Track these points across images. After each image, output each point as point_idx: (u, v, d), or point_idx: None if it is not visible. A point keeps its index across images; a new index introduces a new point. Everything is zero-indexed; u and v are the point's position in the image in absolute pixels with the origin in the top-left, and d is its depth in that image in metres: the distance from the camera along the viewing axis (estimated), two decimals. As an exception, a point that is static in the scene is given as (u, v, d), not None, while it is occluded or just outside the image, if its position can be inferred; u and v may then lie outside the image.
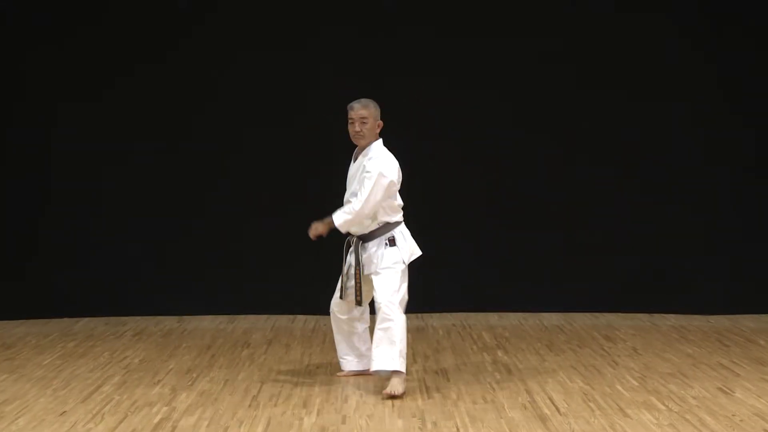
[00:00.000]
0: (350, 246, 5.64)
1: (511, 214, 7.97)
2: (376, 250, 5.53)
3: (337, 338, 5.89)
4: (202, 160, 7.93)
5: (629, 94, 7.88)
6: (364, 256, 5.56)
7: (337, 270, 5.75)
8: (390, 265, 5.49)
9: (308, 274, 7.61)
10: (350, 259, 5.64)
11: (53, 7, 7.82)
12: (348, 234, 5.63)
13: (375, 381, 5.69)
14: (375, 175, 5.44)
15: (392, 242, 5.53)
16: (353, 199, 5.51)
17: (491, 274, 7.95)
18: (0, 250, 7.88)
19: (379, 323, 5.42)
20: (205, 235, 7.95)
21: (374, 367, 5.43)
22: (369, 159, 5.52)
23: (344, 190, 5.69)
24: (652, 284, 7.90)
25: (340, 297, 5.72)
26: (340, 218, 5.51)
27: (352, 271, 5.58)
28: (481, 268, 7.95)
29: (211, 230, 7.95)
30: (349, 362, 5.88)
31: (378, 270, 5.50)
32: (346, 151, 5.76)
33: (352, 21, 7.83)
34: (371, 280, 5.57)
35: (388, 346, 5.38)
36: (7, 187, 7.90)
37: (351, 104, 5.59)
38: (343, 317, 5.80)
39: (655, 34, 7.83)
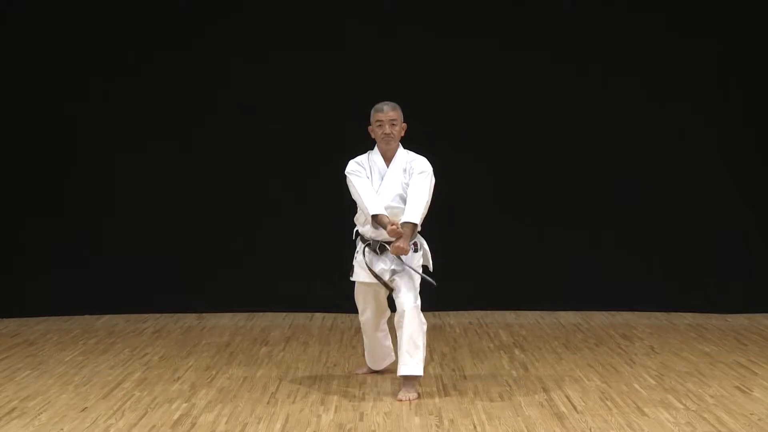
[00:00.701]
0: (375, 252, 5.45)
1: (528, 213, 7.95)
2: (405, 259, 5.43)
3: (368, 344, 5.81)
4: (217, 160, 7.93)
5: (644, 94, 7.83)
6: (388, 261, 5.43)
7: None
8: (416, 269, 5.44)
9: (327, 272, 7.62)
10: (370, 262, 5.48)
11: (55, 6, 7.81)
12: (363, 240, 5.50)
13: (392, 379, 5.69)
14: (430, 174, 5.42)
15: (416, 247, 5.48)
16: (396, 202, 5.40)
17: (508, 273, 7.93)
18: (20, 249, 7.92)
19: (405, 327, 5.33)
20: (224, 233, 7.97)
21: (403, 372, 5.33)
22: (413, 160, 5.45)
23: (346, 191, 5.54)
24: (670, 283, 7.86)
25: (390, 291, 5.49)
26: (417, 215, 5.32)
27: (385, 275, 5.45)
28: (498, 266, 7.93)
29: (229, 228, 7.97)
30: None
31: (404, 273, 5.42)
32: (353, 148, 5.68)
33: (353, 21, 7.81)
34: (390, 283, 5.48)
35: (415, 351, 5.33)
36: (25, 186, 7.92)
37: (379, 106, 5.49)
38: (379, 333, 5.74)
39: (667, 36, 7.78)
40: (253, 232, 7.97)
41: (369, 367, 5.89)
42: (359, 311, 5.70)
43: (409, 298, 5.36)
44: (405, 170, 5.45)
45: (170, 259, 7.93)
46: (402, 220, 5.35)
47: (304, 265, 7.93)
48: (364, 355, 5.97)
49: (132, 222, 7.95)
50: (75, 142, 7.93)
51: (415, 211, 5.34)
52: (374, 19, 7.86)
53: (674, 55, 7.82)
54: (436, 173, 5.53)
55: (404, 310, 5.34)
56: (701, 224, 7.86)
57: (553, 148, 7.91)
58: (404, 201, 5.42)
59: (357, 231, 5.60)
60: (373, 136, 5.54)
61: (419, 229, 5.47)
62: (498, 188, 7.96)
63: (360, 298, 5.65)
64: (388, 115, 5.45)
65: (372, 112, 5.50)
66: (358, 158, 5.54)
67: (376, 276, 5.43)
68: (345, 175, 5.48)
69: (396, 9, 7.85)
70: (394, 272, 5.42)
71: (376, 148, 5.53)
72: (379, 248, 5.43)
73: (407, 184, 5.43)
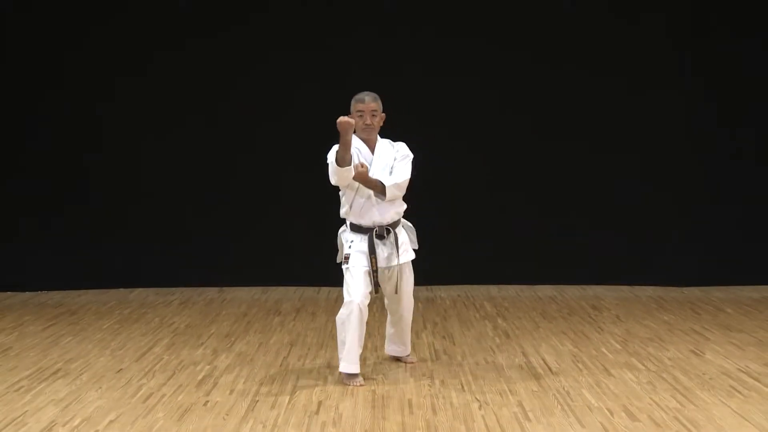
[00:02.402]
0: (381, 238, 4.96)
1: (511, 198, 7.93)
2: (403, 240, 5.04)
3: (357, 338, 4.89)
4: (232, 153, 7.87)
5: (617, 85, 7.75)
6: (388, 247, 5.00)
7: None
8: (411, 258, 5.11)
9: (332, 250, 7.61)
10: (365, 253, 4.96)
11: (71, 4, 7.76)
12: (361, 230, 5.00)
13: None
14: (410, 159, 5.00)
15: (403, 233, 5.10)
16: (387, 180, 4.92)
17: (492, 251, 7.91)
18: (61, 230, 7.88)
19: (405, 315, 5.17)
20: (242, 218, 7.94)
21: (407, 357, 5.31)
22: (396, 148, 5.02)
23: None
24: (634, 260, 7.87)
25: (376, 292, 4.96)
26: (390, 181, 4.88)
27: (375, 265, 4.94)
28: (483, 246, 7.91)
29: (246, 213, 7.95)
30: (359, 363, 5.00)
31: (405, 260, 5.05)
32: None
33: (353, 21, 7.72)
34: (392, 270, 5.03)
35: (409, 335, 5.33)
36: (58, 171, 7.86)
37: (360, 96, 4.97)
38: (364, 321, 4.95)
39: (650, 32, 7.72)
40: (267, 216, 7.94)
41: (350, 374, 4.92)
42: (349, 300, 4.86)
43: (410, 299, 5.14)
44: (391, 156, 4.98)
45: (195, 239, 7.91)
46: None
47: (313, 245, 7.91)
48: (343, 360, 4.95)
49: (160, 206, 7.90)
50: (105, 117, 7.80)
51: (392, 179, 4.90)
52: (374, 19, 7.76)
53: (661, 50, 7.72)
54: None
55: (403, 315, 5.16)
56: (662, 206, 7.84)
57: (539, 140, 7.79)
58: None
59: (350, 224, 5.05)
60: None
61: (387, 198, 4.90)
62: (486, 178, 7.90)
63: (354, 282, 4.90)
64: (369, 106, 4.94)
65: (352, 102, 4.99)
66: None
67: (374, 273, 4.91)
68: (327, 161, 4.91)
69: (396, 9, 7.77)
70: (389, 261, 4.96)
71: (354, 136, 4.94)
72: (386, 232, 4.98)
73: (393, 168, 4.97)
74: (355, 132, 4.92)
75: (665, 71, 7.75)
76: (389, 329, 5.32)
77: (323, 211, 7.87)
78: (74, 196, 7.91)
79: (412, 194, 5.13)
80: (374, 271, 4.93)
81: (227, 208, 7.96)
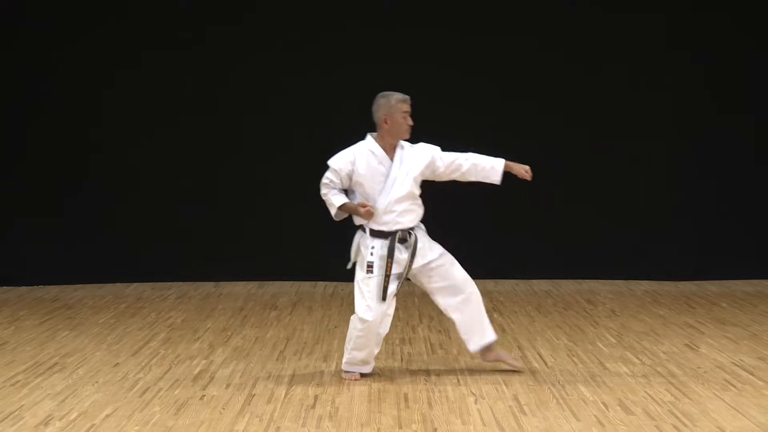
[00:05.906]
0: (403, 242, 4.75)
1: (506, 193, 7.90)
2: (422, 244, 4.85)
3: (366, 352, 4.83)
4: (229, 150, 7.89)
5: (616, 82, 7.79)
6: (417, 247, 4.79)
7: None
8: (435, 255, 4.88)
9: (329, 245, 7.61)
10: (382, 258, 4.71)
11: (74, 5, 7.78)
12: (383, 234, 4.75)
13: (386, 342, 5.69)
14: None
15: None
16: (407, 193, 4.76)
17: (488, 247, 7.93)
18: (58, 226, 7.88)
19: (472, 300, 4.89)
20: (238, 212, 7.96)
21: (493, 337, 4.87)
22: (416, 150, 4.81)
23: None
24: (629, 254, 7.89)
25: (383, 299, 4.73)
26: (492, 159, 4.91)
27: (392, 270, 4.72)
28: (479, 241, 7.93)
29: (243, 208, 7.96)
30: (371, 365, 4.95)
31: (436, 254, 4.87)
32: (348, 136, 5.23)
33: (354, 21, 7.73)
34: (426, 271, 4.86)
35: (485, 317, 4.88)
36: (57, 169, 7.88)
37: (404, 96, 4.73)
38: (381, 330, 4.83)
39: (643, 30, 7.74)
40: (263, 210, 7.95)
41: (359, 372, 4.92)
42: (364, 319, 4.73)
43: (462, 271, 4.92)
44: (415, 159, 4.77)
45: (191, 234, 7.92)
46: (494, 165, 4.92)
47: (309, 240, 7.92)
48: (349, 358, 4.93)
49: (156, 201, 7.91)
50: (107, 112, 7.84)
51: (488, 158, 4.88)
52: (374, 19, 7.76)
53: (660, 50, 7.74)
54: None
55: (465, 282, 4.94)
56: (657, 201, 7.86)
57: (535, 136, 7.81)
58: (413, 196, 4.81)
59: (370, 230, 4.79)
60: (389, 126, 4.71)
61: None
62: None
63: (375, 297, 4.74)
64: (410, 108, 4.75)
65: (393, 102, 4.71)
66: (345, 157, 4.76)
67: (386, 277, 4.72)
68: (322, 193, 4.93)
69: (396, 9, 7.77)
70: (406, 265, 4.77)
71: (372, 139, 4.78)
72: (408, 235, 4.77)
73: (419, 173, 4.77)
74: (383, 134, 4.76)
75: (665, 69, 7.78)
76: (458, 323, 4.87)
77: (320, 206, 7.90)
78: (71, 191, 7.92)
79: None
80: (386, 276, 4.70)
81: (223, 203, 7.98)
